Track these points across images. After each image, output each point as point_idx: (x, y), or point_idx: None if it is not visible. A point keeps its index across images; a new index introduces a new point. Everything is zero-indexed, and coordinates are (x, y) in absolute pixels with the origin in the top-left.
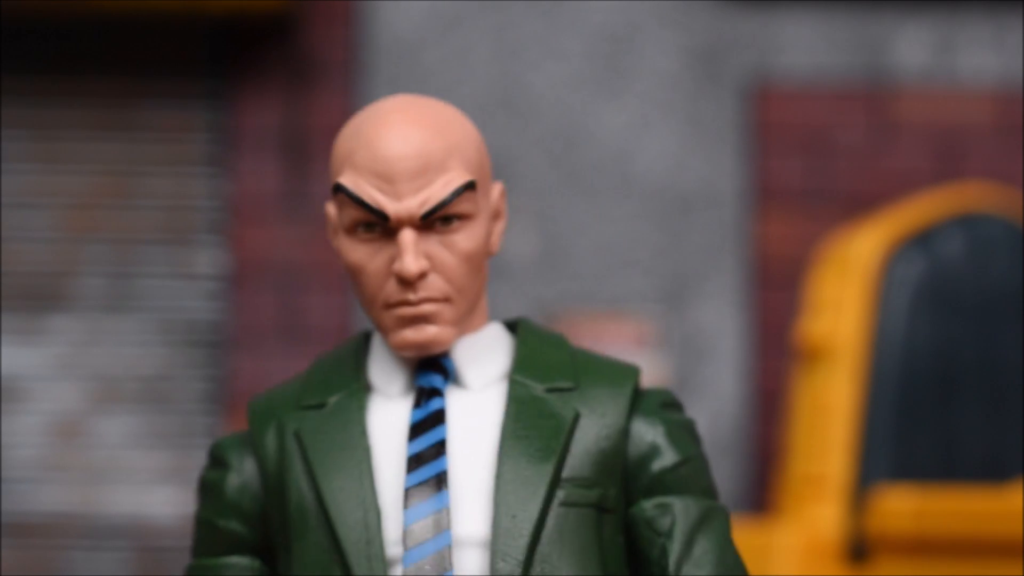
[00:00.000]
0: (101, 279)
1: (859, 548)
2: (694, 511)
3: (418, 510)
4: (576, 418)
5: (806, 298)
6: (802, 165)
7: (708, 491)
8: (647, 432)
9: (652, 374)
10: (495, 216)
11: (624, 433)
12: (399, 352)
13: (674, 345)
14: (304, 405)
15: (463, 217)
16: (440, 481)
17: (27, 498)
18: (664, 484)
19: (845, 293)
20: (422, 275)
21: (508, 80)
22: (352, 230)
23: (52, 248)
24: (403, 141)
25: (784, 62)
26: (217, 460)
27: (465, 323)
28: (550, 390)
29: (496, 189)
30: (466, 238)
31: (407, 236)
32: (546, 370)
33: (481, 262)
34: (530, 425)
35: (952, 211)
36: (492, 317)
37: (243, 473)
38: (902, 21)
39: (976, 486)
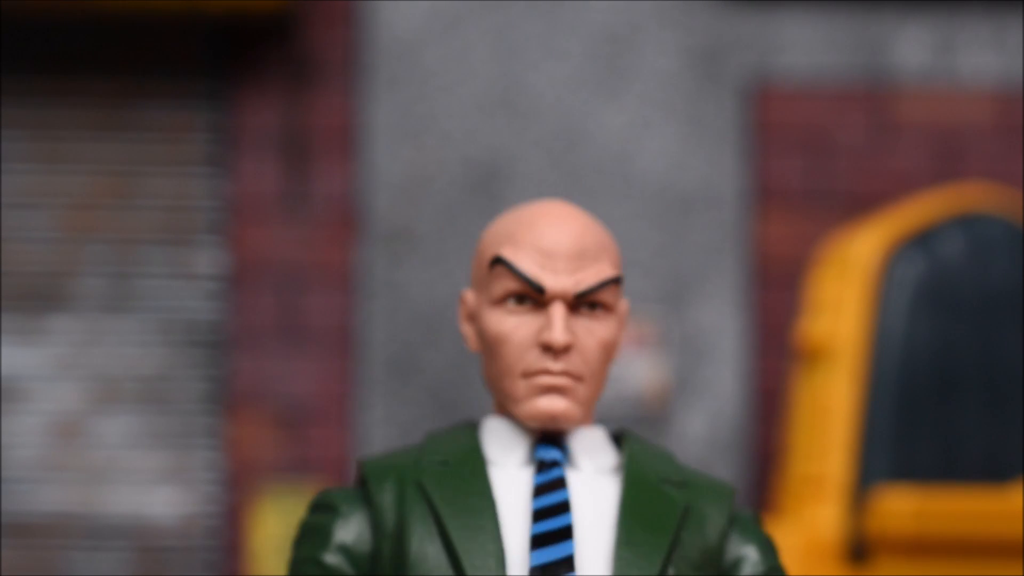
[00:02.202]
0: (101, 279)
1: (859, 548)
2: None
3: (545, 554)
4: (687, 509)
5: (806, 298)
6: (802, 165)
7: None
8: (743, 541)
9: (652, 374)
10: (619, 325)
11: (724, 537)
12: (528, 421)
13: (674, 345)
14: (426, 462)
15: (606, 308)
16: (566, 533)
17: (27, 498)
18: None
19: (845, 293)
20: (567, 348)
21: (508, 80)
22: (501, 302)
23: (52, 248)
24: (565, 226)
25: (784, 62)
26: (326, 506)
27: (586, 416)
28: (662, 481)
29: (624, 304)
30: (605, 328)
31: (559, 309)
32: (657, 466)
33: (610, 357)
34: (647, 503)
35: (952, 211)
36: None
37: (354, 520)
38: (902, 21)
39: (976, 486)
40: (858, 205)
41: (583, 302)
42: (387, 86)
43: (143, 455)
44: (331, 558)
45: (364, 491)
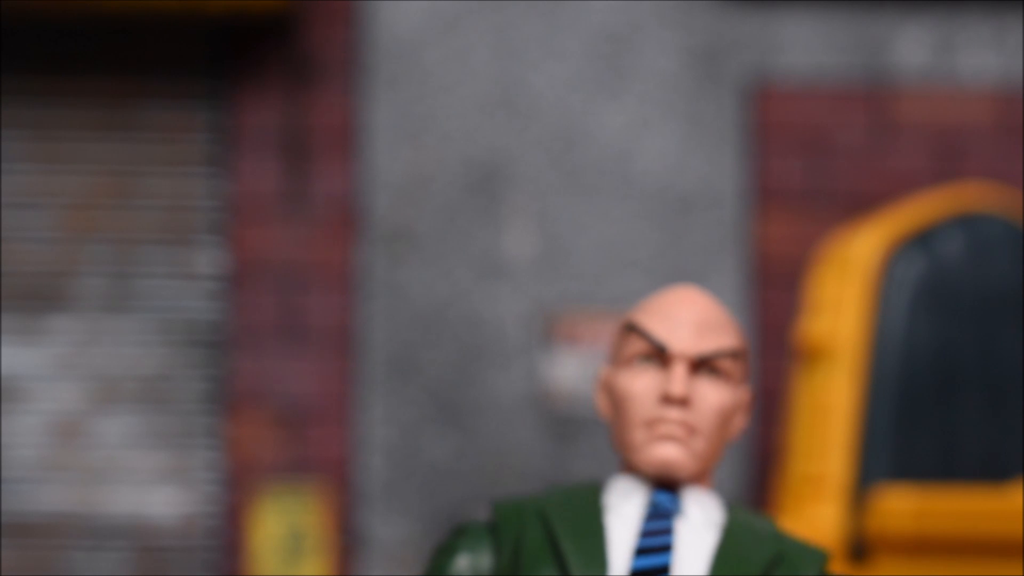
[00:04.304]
0: (101, 279)
1: (859, 548)
2: None
3: (644, 560)
4: (779, 556)
5: (806, 298)
6: (802, 165)
7: None
8: None
9: None
10: (738, 409)
11: None
12: (644, 467)
13: None
14: (549, 499)
15: (724, 375)
16: (666, 547)
17: (27, 498)
18: None
19: (845, 293)
20: (684, 400)
21: (508, 80)
22: (630, 362)
23: (52, 248)
24: (692, 303)
25: (784, 62)
26: (456, 531)
27: (700, 472)
28: (759, 535)
29: (747, 392)
30: (721, 393)
31: (680, 366)
32: (756, 524)
33: (725, 424)
34: (739, 549)
35: (952, 211)
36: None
37: (481, 542)
38: (902, 21)
39: (976, 486)
40: (858, 205)
41: (704, 367)
42: (387, 86)
43: (143, 455)
44: (457, 567)
45: (492, 523)
